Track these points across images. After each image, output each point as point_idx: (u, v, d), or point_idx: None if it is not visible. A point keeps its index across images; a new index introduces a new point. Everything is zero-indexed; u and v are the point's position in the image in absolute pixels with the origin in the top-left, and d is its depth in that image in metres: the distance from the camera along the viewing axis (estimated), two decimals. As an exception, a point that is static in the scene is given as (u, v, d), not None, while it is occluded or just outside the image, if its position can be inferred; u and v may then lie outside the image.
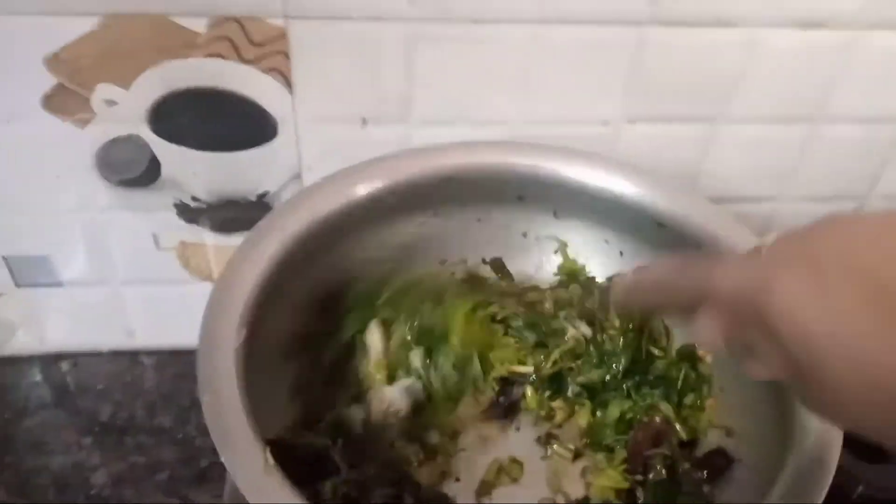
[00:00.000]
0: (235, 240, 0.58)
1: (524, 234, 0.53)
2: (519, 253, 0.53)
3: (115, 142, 0.51)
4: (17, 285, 0.58)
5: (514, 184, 0.49)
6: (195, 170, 0.53)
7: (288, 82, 0.50)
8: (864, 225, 0.27)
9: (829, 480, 0.35)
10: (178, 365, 0.64)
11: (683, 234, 0.47)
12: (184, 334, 0.62)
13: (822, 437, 0.37)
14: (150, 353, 0.64)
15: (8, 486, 0.55)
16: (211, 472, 0.56)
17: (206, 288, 0.60)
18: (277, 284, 0.41)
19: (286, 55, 0.49)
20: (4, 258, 0.57)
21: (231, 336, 0.37)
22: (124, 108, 0.50)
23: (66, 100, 0.49)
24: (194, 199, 0.55)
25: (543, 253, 0.53)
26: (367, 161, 0.47)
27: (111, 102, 0.49)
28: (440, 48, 0.50)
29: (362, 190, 0.45)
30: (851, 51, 0.55)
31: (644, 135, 0.56)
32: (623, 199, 0.48)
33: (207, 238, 0.57)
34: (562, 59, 0.52)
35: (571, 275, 0.53)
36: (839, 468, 0.36)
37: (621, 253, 0.51)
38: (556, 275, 0.54)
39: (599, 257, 0.52)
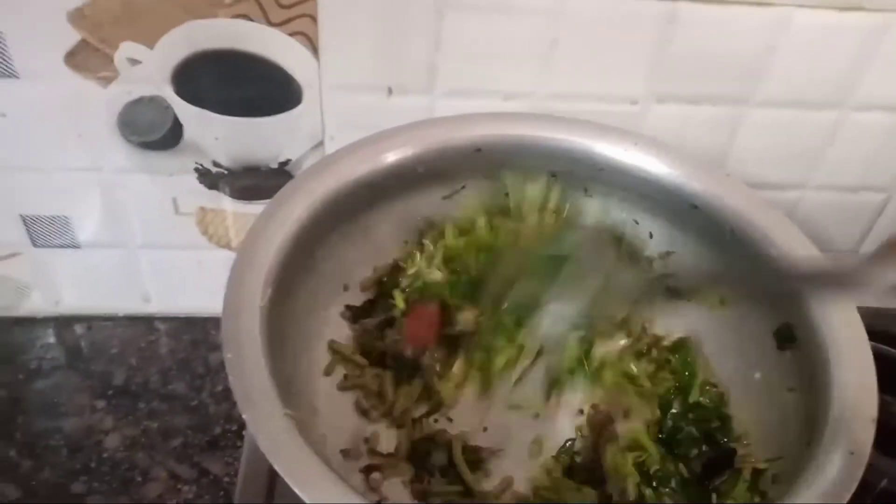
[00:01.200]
0: (255, 208, 0.57)
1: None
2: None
3: (138, 102, 0.51)
4: (35, 245, 0.58)
5: (545, 158, 0.48)
6: (217, 134, 0.53)
7: (314, 47, 0.50)
8: None
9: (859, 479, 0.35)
10: (194, 332, 0.63)
11: (717, 217, 0.46)
12: (200, 301, 0.63)
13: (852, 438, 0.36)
14: (166, 319, 0.64)
15: (19, 448, 0.55)
16: (224, 440, 0.56)
17: (223, 255, 0.60)
18: (303, 247, 0.40)
19: (313, 19, 0.48)
20: (22, 217, 0.56)
21: (256, 295, 0.36)
22: (148, 68, 0.49)
23: (89, 57, 0.48)
24: (215, 164, 0.54)
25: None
26: (396, 127, 0.46)
27: (135, 61, 0.49)
28: (468, 18, 0.49)
29: (391, 157, 0.44)
30: (886, 35, 0.54)
31: (670, 115, 0.56)
32: (657, 179, 0.47)
33: (227, 205, 0.57)
34: (590, 32, 0.51)
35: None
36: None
37: (651, 234, 0.50)
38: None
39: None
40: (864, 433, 0.36)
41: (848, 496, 0.34)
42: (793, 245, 0.45)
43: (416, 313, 0.47)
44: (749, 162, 0.59)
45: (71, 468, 0.54)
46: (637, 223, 0.50)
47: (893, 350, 0.53)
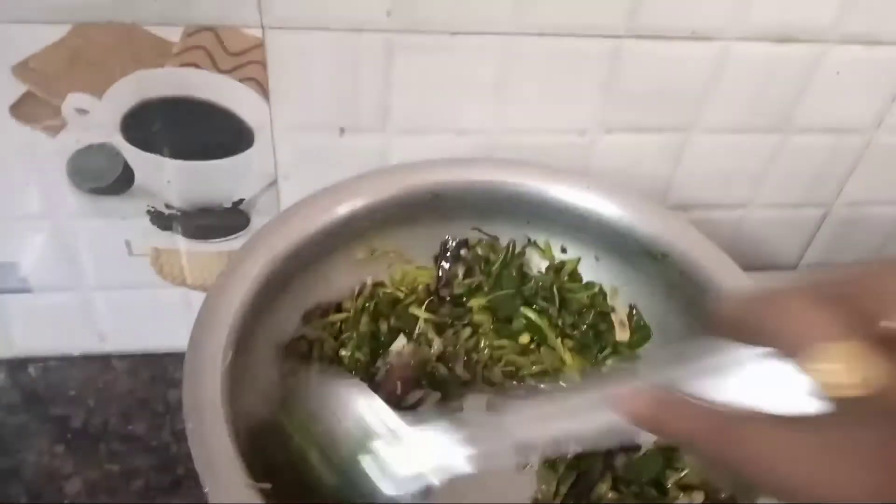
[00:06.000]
0: (209, 246, 0.57)
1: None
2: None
3: (87, 150, 0.50)
4: (-16, 291, 0.57)
5: (500, 202, 0.49)
6: (169, 177, 0.52)
7: (265, 92, 0.50)
8: None
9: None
10: (152, 368, 0.63)
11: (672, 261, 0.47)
12: (156, 339, 0.63)
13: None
14: (123, 357, 0.63)
15: (-22, 497, 0.54)
16: (187, 480, 0.56)
17: (179, 293, 0.60)
18: (263, 304, 0.41)
19: (263, 65, 0.48)
20: (-29, 264, 0.55)
21: (217, 358, 0.36)
22: (96, 117, 0.49)
23: (35, 108, 0.48)
24: (168, 206, 0.54)
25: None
26: (353, 177, 0.47)
27: (83, 111, 0.48)
28: (417, 58, 0.50)
29: (348, 207, 0.45)
30: (820, 63, 0.56)
31: (619, 144, 0.57)
32: (609, 221, 0.48)
33: (181, 244, 0.57)
34: (538, 69, 0.52)
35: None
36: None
37: (597, 258, 0.52)
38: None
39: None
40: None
41: None
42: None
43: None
44: (695, 185, 0.61)
45: (33, 515, 0.54)
46: (598, 259, 0.51)
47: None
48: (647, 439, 0.46)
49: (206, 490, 0.32)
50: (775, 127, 0.59)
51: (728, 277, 0.44)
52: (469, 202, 0.49)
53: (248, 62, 0.48)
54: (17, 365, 0.62)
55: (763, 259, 0.69)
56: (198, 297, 0.61)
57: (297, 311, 0.46)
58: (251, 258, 0.41)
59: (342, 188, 0.45)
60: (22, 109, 0.48)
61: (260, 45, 0.47)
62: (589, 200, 0.47)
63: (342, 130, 0.52)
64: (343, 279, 0.48)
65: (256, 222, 0.56)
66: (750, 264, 0.48)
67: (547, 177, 0.48)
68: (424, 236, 0.50)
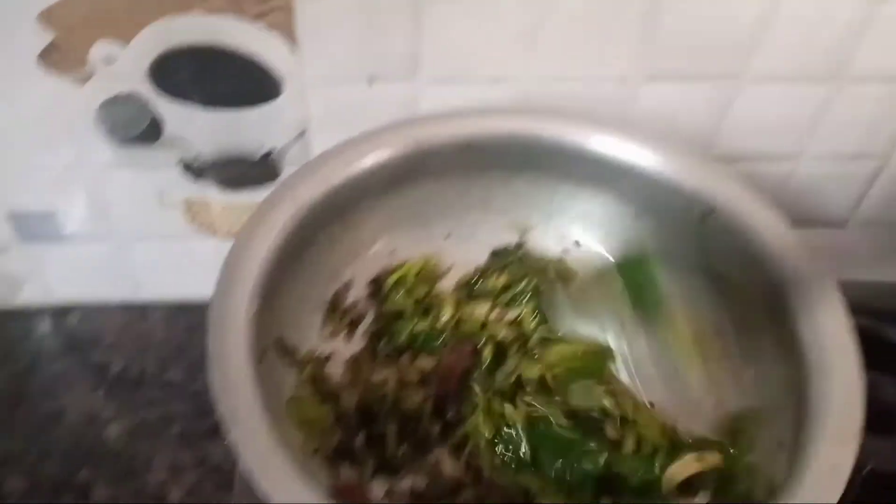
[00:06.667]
0: (241, 196, 0.57)
1: (550, 202, 0.51)
2: (540, 224, 0.52)
3: (115, 100, 0.50)
4: (22, 240, 0.58)
5: (536, 153, 0.47)
6: (199, 127, 0.52)
7: (292, 39, 0.48)
8: None
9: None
10: (188, 318, 0.64)
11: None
12: (191, 288, 0.63)
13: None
14: (158, 306, 0.64)
15: (23, 439, 0.56)
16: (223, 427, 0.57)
17: (212, 243, 0.60)
18: (290, 254, 0.40)
19: (290, 11, 0.47)
20: (10, 213, 0.56)
21: (243, 308, 0.36)
22: (123, 66, 0.48)
23: (62, 57, 0.47)
24: (198, 156, 0.54)
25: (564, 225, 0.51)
26: (382, 126, 0.45)
27: (109, 59, 0.48)
28: (449, 3, 0.48)
29: (377, 157, 0.43)
30: (882, 4, 0.52)
31: (660, 93, 0.54)
32: (653, 176, 0.46)
33: (212, 194, 0.57)
34: (575, 13, 0.50)
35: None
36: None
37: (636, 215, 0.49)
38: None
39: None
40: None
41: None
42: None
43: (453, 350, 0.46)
44: (742, 135, 0.58)
45: (75, 458, 0.55)
46: (637, 217, 0.49)
47: (877, 326, 0.53)
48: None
49: (230, 438, 0.33)
50: (829, 74, 0.56)
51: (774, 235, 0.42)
52: (503, 154, 0.47)
53: (275, 8, 0.47)
54: (58, 312, 0.64)
55: (811, 215, 0.66)
56: (229, 248, 0.61)
57: (325, 266, 0.46)
58: (276, 208, 0.40)
59: (370, 137, 0.44)
60: (49, 58, 0.47)
61: (286, -11, 0.46)
62: (630, 151, 0.45)
63: (371, 79, 0.51)
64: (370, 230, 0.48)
65: (287, 173, 0.56)
66: (797, 221, 0.46)
67: (587, 128, 0.45)
68: (452, 190, 0.48)
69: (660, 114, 0.56)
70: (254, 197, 0.57)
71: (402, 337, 0.46)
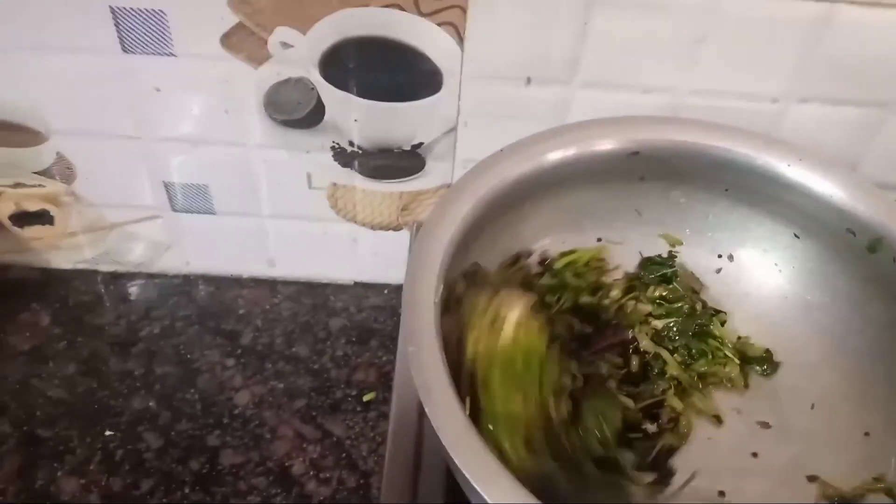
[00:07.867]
0: (383, 186, 0.59)
1: (705, 216, 0.51)
2: (693, 237, 0.52)
3: (285, 83, 0.52)
4: (174, 210, 0.61)
5: (702, 164, 0.48)
6: (357, 116, 0.54)
7: (460, 37, 0.50)
8: None
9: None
10: (314, 297, 0.66)
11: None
12: (321, 269, 0.66)
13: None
14: (288, 283, 0.67)
15: (159, 399, 0.59)
16: (344, 404, 0.59)
17: (348, 228, 0.62)
18: (467, 243, 0.42)
19: (463, 10, 0.48)
20: (165, 183, 0.59)
21: (431, 291, 0.38)
22: (299, 52, 0.50)
23: (244, 39, 0.50)
24: (351, 143, 0.56)
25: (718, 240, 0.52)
26: (556, 128, 0.47)
27: (287, 45, 0.50)
28: (618, 13, 0.49)
29: (551, 157, 0.45)
30: None
31: (811, 115, 0.54)
32: (818, 197, 0.46)
33: (358, 182, 0.59)
34: (739, 30, 0.50)
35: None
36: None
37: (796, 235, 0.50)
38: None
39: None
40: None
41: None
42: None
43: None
44: (885, 164, 0.58)
45: (205, 422, 0.58)
46: (797, 237, 0.49)
47: None
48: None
49: (426, 409, 0.34)
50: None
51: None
52: (667, 164, 0.48)
53: (449, 6, 0.48)
54: (191, 281, 0.67)
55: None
56: (365, 234, 0.63)
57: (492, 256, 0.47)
58: (459, 199, 0.42)
59: (549, 136, 0.45)
60: (231, 40, 0.50)
61: (464, -11, 0.47)
62: (798, 173, 0.45)
63: (529, 80, 0.52)
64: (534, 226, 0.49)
65: (431, 166, 0.58)
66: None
67: (756, 144, 0.46)
68: (608, 196, 0.50)
69: (804, 135, 0.56)
70: (395, 187, 0.59)
71: (569, 303, 0.48)
